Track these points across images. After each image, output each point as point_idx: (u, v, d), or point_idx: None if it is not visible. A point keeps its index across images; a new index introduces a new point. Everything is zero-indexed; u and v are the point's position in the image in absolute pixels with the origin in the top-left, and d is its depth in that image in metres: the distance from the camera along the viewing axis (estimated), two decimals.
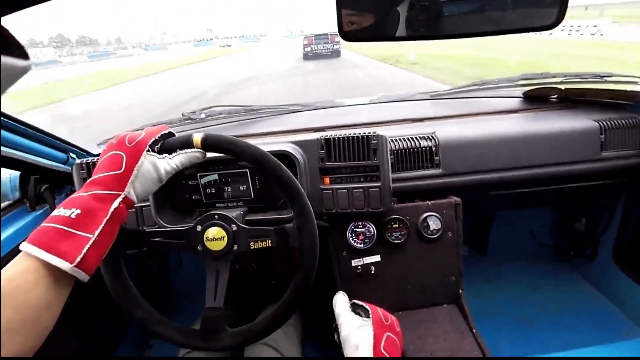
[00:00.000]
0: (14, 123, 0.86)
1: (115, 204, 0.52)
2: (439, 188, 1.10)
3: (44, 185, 0.99)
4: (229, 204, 0.99)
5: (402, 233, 1.05)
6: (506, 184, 1.13)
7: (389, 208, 0.99)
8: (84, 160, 0.98)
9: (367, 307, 0.70)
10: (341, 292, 0.76)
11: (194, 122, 1.26)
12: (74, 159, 1.08)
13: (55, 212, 0.50)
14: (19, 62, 0.30)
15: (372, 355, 0.60)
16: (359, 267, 1.06)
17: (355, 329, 0.65)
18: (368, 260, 1.06)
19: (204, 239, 0.65)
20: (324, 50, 15.03)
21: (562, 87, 1.26)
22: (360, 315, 0.70)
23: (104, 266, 0.65)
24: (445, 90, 1.39)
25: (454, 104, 1.33)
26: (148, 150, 0.58)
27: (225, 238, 0.65)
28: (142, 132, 0.60)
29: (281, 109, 1.34)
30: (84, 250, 0.47)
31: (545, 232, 1.67)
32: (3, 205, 0.95)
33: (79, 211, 0.50)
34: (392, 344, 0.63)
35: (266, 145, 0.94)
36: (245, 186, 0.98)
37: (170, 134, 0.66)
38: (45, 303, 0.46)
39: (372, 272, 1.06)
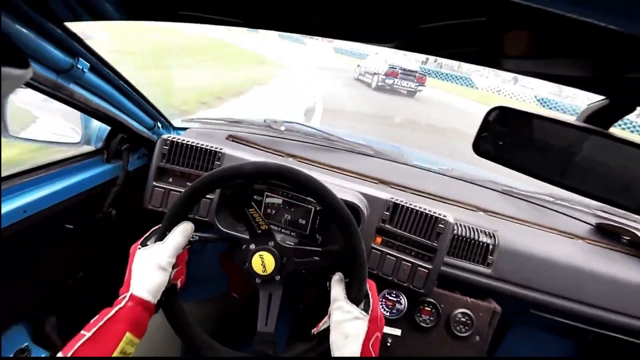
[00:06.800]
0: (120, 81, 0.90)
1: (122, 304, 0.57)
2: (482, 287, 1.07)
3: (126, 144, 1.04)
4: (283, 230, 1.00)
5: (431, 318, 1.03)
6: (551, 310, 1.08)
7: (430, 292, 0.97)
8: (171, 136, 1.02)
9: (370, 300, 0.65)
10: (338, 273, 0.70)
11: (272, 131, 1.29)
12: (159, 128, 1.12)
13: None
14: (17, 71, 0.29)
15: (359, 348, 0.59)
16: None
17: (350, 319, 0.62)
18: (388, 330, 1.04)
19: (252, 260, 0.68)
20: (404, 88, 11.66)
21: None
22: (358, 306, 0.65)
23: (164, 305, 0.66)
24: (519, 189, 1.35)
25: (523, 207, 1.29)
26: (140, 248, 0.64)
27: (274, 266, 0.67)
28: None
29: (354, 147, 1.34)
30: (76, 346, 0.52)
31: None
32: (84, 150, 1.00)
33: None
34: (377, 342, 0.63)
35: (337, 189, 0.95)
36: (304, 221, 0.99)
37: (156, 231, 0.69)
38: None
39: (388, 344, 1.04)
